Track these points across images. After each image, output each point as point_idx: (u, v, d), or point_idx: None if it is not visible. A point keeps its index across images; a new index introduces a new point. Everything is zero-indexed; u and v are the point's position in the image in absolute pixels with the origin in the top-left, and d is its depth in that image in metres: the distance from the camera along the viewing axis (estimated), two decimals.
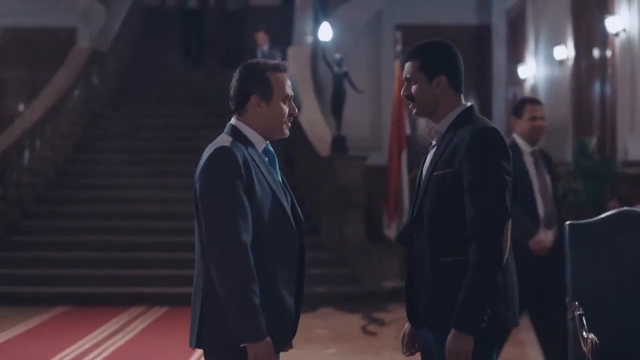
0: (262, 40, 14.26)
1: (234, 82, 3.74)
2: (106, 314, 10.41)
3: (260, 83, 3.69)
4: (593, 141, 12.09)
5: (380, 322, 10.22)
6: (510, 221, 3.63)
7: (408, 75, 3.84)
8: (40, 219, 13.17)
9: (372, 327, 9.99)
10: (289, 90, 3.75)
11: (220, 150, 3.60)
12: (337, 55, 12.51)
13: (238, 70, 3.75)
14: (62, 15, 17.16)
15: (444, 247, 3.68)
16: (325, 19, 14.14)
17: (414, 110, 3.87)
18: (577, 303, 4.67)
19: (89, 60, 15.75)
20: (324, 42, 13.72)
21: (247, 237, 3.52)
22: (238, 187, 3.53)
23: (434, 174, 3.73)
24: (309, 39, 15.98)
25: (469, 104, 3.85)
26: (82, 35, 17.09)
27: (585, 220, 4.99)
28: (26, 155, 13.45)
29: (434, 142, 3.84)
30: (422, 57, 3.81)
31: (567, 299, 4.81)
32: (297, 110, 3.80)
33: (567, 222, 4.91)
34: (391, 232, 12.27)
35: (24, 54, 18.06)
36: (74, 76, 15.19)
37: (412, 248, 3.82)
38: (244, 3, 16.56)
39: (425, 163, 3.85)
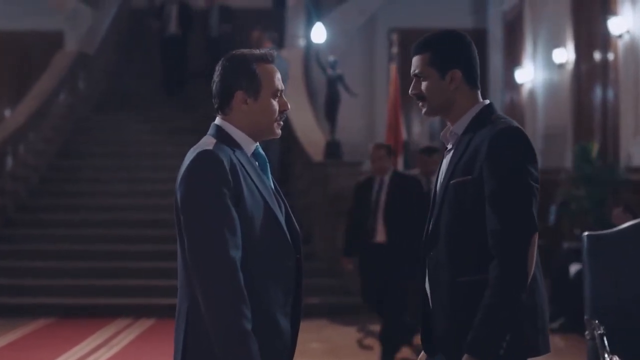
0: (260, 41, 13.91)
1: (216, 77, 3.30)
2: (90, 326, 10.10)
3: (246, 76, 3.25)
4: (595, 146, 11.73)
5: (377, 336, 9.85)
6: (537, 234, 3.21)
7: (417, 71, 3.40)
8: (22, 227, 12.82)
9: (368, 341, 9.65)
10: (279, 84, 3.30)
11: (203, 154, 3.16)
12: (331, 58, 12.13)
13: (220, 63, 3.31)
14: (50, 18, 16.89)
15: (464, 265, 3.25)
16: (319, 21, 13.79)
17: (424, 110, 3.43)
18: (597, 321, 4.35)
19: (74, 64, 15.39)
20: (318, 44, 13.36)
21: (235, 253, 3.08)
22: (224, 196, 3.09)
23: (452, 182, 3.29)
24: (302, 42, 15.67)
25: (487, 101, 3.43)
26: (69, 39, 16.80)
27: (606, 231, 4.63)
28: (9, 161, 13.06)
29: (449, 146, 3.41)
30: (433, 50, 3.38)
31: (585, 317, 4.46)
32: (288, 106, 3.34)
33: (586, 233, 4.54)
34: None
35: (11, 57, 17.71)
36: (58, 80, 14.83)
37: (427, 266, 3.39)
38: (229, 27, 16.07)
39: (441, 170, 3.42)
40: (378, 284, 8.28)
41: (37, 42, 17.39)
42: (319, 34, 13.16)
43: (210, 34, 16.19)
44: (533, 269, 3.20)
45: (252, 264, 3.14)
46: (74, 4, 16.47)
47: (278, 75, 3.31)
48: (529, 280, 3.18)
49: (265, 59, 3.29)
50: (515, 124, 3.33)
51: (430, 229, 3.36)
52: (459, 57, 3.37)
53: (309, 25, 14.82)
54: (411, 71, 3.44)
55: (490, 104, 3.42)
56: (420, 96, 3.41)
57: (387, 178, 8.50)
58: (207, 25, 16.26)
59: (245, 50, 3.33)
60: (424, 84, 3.38)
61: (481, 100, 3.42)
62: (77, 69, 15.49)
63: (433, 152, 9.38)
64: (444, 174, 3.37)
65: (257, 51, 3.32)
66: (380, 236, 8.35)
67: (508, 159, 3.20)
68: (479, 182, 3.22)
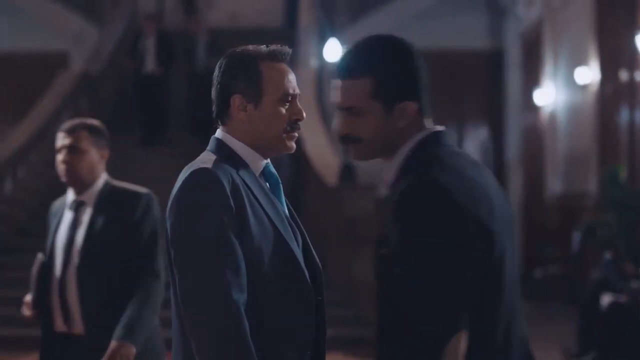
0: None
1: (214, 79, 2.69)
2: None
3: (246, 77, 2.64)
4: (623, 169, 11.19)
5: None
6: (462, 333, 2.29)
7: (349, 104, 2.42)
8: (19, 253, 12.24)
9: None
10: (290, 87, 2.67)
11: (199, 173, 2.56)
12: None
13: (219, 62, 2.71)
14: (54, 39, 16.55)
15: None
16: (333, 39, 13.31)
17: (356, 154, 2.48)
18: None
19: (78, 83, 14.87)
20: (331, 64, 12.88)
21: (239, 296, 2.48)
22: (224, 226, 2.48)
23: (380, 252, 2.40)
24: (314, 62, 15.16)
25: (428, 131, 2.44)
26: (74, 59, 16.41)
27: None
28: (7, 184, 12.53)
29: None
30: (377, 74, 2.42)
31: None
32: (304, 114, 2.68)
33: None
34: None
35: (14, 80, 17.27)
36: (61, 100, 14.30)
37: None
38: (216, 60, 14.72)
39: None
40: None
41: (38, 64, 16.98)
42: (333, 52, 12.64)
43: (195, 68, 14.09)
44: None
45: (259, 309, 2.55)
46: (79, 23, 16.10)
47: (290, 77, 2.70)
48: None
49: (274, 57, 2.69)
50: (435, 173, 2.32)
51: None
52: (413, 83, 2.42)
53: (322, 44, 14.30)
54: (337, 102, 2.46)
55: (428, 137, 2.42)
56: (353, 138, 2.45)
57: (91, 196, 4.34)
58: (191, 58, 14.31)
59: (251, 46, 2.73)
60: (361, 122, 2.42)
61: (424, 128, 2.44)
62: (81, 88, 14.97)
63: None
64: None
65: (263, 47, 2.72)
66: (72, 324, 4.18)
67: (409, 230, 2.28)
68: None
